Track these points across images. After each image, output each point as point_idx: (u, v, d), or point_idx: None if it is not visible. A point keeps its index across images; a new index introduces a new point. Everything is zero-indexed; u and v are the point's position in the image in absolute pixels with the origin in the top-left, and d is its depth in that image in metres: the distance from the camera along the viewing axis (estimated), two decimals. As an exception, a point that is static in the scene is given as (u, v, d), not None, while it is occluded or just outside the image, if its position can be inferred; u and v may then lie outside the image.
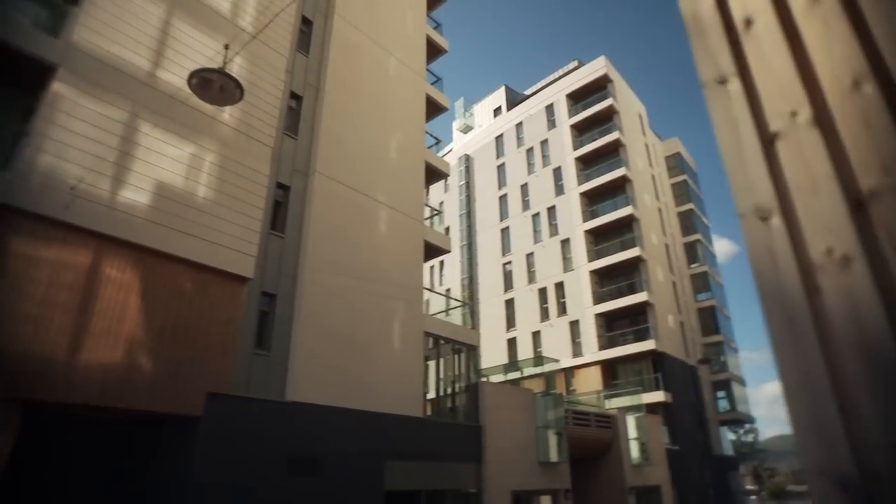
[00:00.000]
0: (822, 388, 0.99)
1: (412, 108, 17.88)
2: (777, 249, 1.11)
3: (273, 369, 11.51)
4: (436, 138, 20.08)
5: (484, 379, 19.20)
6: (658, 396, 29.29)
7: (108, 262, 9.02)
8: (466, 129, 47.32)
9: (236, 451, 9.99)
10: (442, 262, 41.17)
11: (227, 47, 6.04)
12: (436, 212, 18.94)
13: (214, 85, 5.35)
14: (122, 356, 8.92)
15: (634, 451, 23.54)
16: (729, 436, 41.43)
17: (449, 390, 16.46)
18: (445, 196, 43.71)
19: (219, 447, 9.74)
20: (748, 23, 1.30)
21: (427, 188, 41.98)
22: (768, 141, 1.19)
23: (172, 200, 10.14)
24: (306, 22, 15.30)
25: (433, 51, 20.47)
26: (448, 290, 39.09)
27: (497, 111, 44.37)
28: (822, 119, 1.14)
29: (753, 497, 52.35)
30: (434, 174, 18.75)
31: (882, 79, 1.10)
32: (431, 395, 16.28)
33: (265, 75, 12.81)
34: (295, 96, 14.35)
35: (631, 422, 23.95)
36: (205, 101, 5.84)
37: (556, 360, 23.21)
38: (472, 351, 17.34)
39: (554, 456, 17.97)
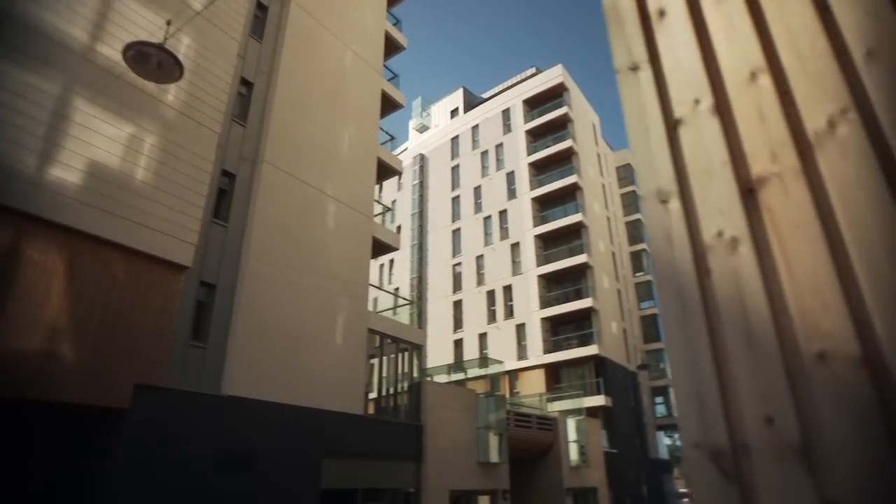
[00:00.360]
0: (705, 364, 1.02)
1: (367, 102, 17.71)
2: (674, 231, 1.13)
3: (209, 362, 11.13)
4: (390, 135, 19.98)
5: (428, 378, 19.20)
6: (599, 400, 30.06)
7: (29, 242, 8.49)
8: (423, 129, 47.29)
9: (165, 445, 9.59)
10: (392, 261, 40.97)
11: (168, 23, 5.79)
12: (386, 209, 18.81)
13: (152, 60, 5.11)
14: (41, 344, 8.41)
15: (574, 453, 24.07)
16: (665, 440, 42.98)
17: (392, 389, 16.36)
18: (398, 195, 43.53)
19: (146, 442, 9.33)
20: (661, 14, 1.33)
21: (380, 185, 41.61)
22: (672, 127, 1.22)
23: (107, 182, 9.65)
24: (261, 7, 14.92)
25: (391, 47, 20.34)
26: (397, 289, 38.92)
27: (454, 112, 44.55)
28: (722, 108, 1.18)
29: (685, 500, 54.42)
30: (386, 171, 18.63)
31: (776, 73, 1.14)
32: (374, 393, 16.15)
33: (215, 59, 12.39)
34: (246, 83, 13.96)
35: (571, 424, 24.47)
36: (141, 77, 5.57)
37: (501, 362, 23.46)
38: (417, 350, 17.31)
39: (494, 457, 18.13)
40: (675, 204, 1.15)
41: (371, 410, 15.98)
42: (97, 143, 9.62)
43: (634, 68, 1.32)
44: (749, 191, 1.09)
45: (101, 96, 9.82)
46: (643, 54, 1.32)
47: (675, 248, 1.12)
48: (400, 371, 16.59)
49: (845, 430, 0.88)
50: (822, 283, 0.96)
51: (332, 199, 15.07)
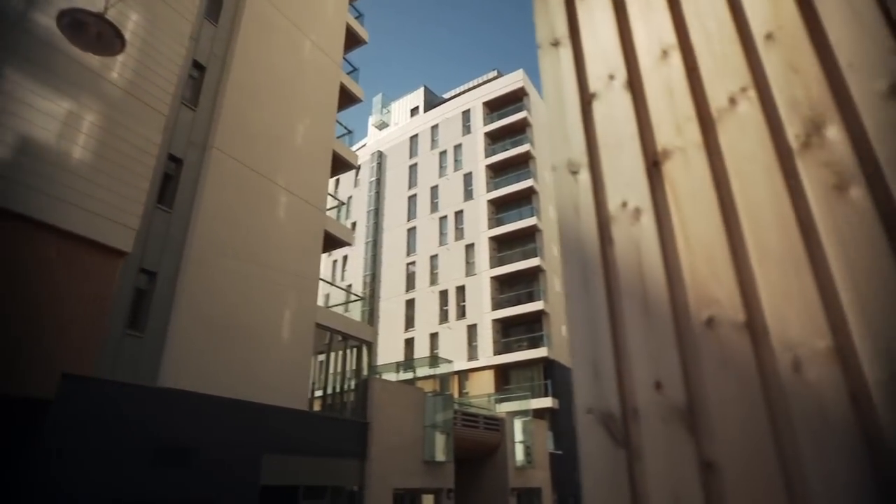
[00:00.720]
0: (602, 332, 1.03)
1: (324, 94, 17.44)
2: (581, 202, 1.14)
3: (146, 352, 10.69)
4: (347, 129, 19.73)
5: (377, 376, 19.06)
6: (546, 402, 30.54)
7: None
8: (382, 126, 46.98)
9: (94, 438, 9.14)
10: (346, 258, 40.51)
11: (111, -7, 5.52)
12: (340, 203, 18.57)
13: (90, 30, 4.84)
14: (-41, 327, 7.88)
15: (519, 453, 24.35)
16: (606, 441, 43.93)
17: (340, 386, 16.15)
18: (355, 191, 43.09)
19: (73, 433, 8.87)
20: (584, -9, 1.34)
21: (337, 180, 40.95)
22: (587, 101, 1.23)
23: (40, 159, 9.13)
24: (217, -11, 14.46)
25: (352, 40, 20.11)
26: (350, 286, 38.47)
27: (414, 111, 44.44)
28: (635, 83, 1.19)
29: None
30: (342, 165, 18.39)
31: (686, 51, 1.16)
32: (321, 389, 15.90)
33: (165, 38, 11.92)
34: (198, 66, 13.50)
35: (518, 425, 24.75)
36: (78, 48, 5.29)
37: (450, 362, 23.53)
38: (366, 347, 17.15)
39: (440, 455, 18.14)
40: (584, 175, 1.16)
41: (318, 407, 15.73)
42: (29, 118, 9.09)
43: (555, 44, 1.33)
44: (654, 164, 1.11)
45: (36, 68, 9.30)
46: (564, 31, 1.33)
47: (581, 218, 1.12)
48: (348, 368, 16.39)
49: (726, 393, 0.90)
50: (714, 252, 0.99)
51: (283, 190, 14.76)
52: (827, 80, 1.00)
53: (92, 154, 9.95)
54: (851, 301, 0.86)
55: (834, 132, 0.97)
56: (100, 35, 4.98)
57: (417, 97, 45.11)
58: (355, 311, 34.06)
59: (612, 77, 1.21)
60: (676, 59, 1.15)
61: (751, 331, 0.91)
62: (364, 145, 46.29)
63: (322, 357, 16.23)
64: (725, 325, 0.93)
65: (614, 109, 1.18)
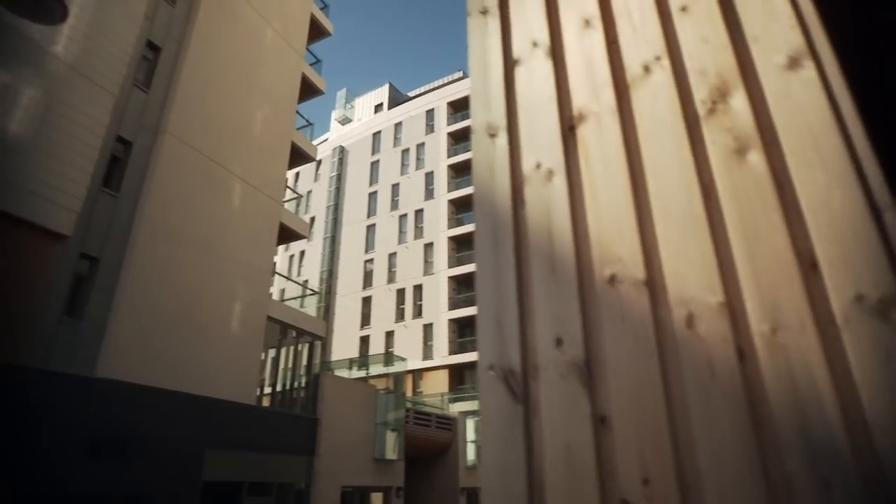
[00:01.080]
0: (509, 290, 1.02)
1: (285, 84, 17.11)
2: (497, 163, 1.14)
3: (84, 341, 10.23)
4: (307, 121, 19.41)
5: (329, 372, 18.81)
6: (498, 402, 30.74)
7: None
8: (345, 121, 46.47)
9: (21, 430, 8.68)
10: (303, 253, 39.86)
11: (54, -41, 5.25)
12: (298, 195, 18.25)
13: (28, -5, 4.59)
14: None
15: (471, 453, 24.45)
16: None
17: (290, 380, 15.86)
18: (315, 185, 42.46)
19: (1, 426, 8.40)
20: (515, -39, 1.34)
21: (297, 174, 40.24)
22: (510, 67, 1.23)
23: (-27, 133, 8.63)
24: (176, -31, 13.99)
25: (316, 31, 19.81)
26: (306, 282, 37.85)
27: (378, 107, 44.14)
28: (556, 51, 1.20)
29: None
30: (301, 157, 18.08)
31: (607, 21, 1.17)
32: (272, 384, 15.59)
33: (117, 14, 11.45)
34: (153, 47, 13.03)
35: (471, 425, 24.86)
36: (12, 13, 5.00)
37: (404, 360, 23.45)
38: (319, 342, 16.91)
39: (390, 454, 18.04)
40: (502, 137, 1.16)
41: (268, 403, 15.41)
42: (-35, 89, 8.58)
43: (484, 12, 1.32)
44: (570, 128, 1.11)
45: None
46: (495, 0, 1.32)
47: (495, 180, 1.12)
48: (300, 363, 16.12)
49: (622, 348, 0.90)
50: (620, 213, 1.00)
51: (239, 179, 14.39)
52: (734, 52, 1.03)
53: (31, 131, 9.46)
54: (744, 259, 0.88)
55: (737, 100, 0.99)
56: (37, 1, 4.73)
57: (382, 94, 44.82)
58: (311, 307, 33.53)
59: (535, 45, 1.21)
60: (598, 28, 1.16)
61: (650, 288, 0.92)
62: (326, 140, 45.67)
63: (274, 352, 15.91)
64: (626, 282, 0.94)
65: (535, 75, 1.18)
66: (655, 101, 1.05)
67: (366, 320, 36.02)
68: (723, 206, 0.93)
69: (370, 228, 38.66)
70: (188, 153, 13.05)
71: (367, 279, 37.13)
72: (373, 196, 39.58)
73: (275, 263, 38.28)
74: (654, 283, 0.92)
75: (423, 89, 44.49)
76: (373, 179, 40.23)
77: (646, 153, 1.02)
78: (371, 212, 39.08)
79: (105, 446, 9.84)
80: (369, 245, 38.15)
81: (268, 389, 15.68)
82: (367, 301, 36.50)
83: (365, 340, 35.36)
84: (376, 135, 41.90)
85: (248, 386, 13.53)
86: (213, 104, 14.06)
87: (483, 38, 1.28)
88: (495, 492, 0.89)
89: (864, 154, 0.88)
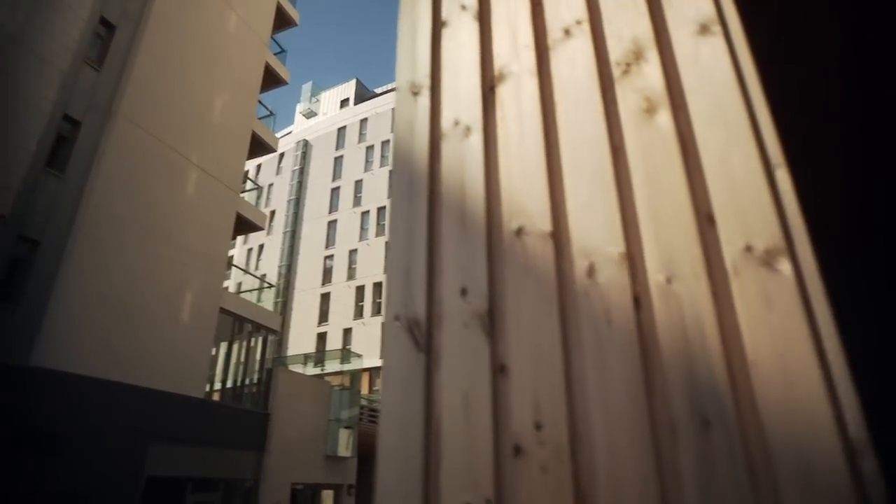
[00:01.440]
0: (419, 241, 1.01)
1: (248, 72, 16.74)
2: (417, 121, 1.13)
3: (19, 328, 9.74)
4: (269, 110, 19.05)
5: (283, 367, 18.48)
6: (454, 401, 30.84)
7: None
8: (310, 115, 45.84)
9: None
10: (261, 246, 39.09)
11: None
12: (257, 186, 17.89)
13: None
14: None
15: (424, 450, 24.40)
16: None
17: (242, 374, 15.51)
18: (277, 178, 41.72)
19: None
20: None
21: (259, 165, 39.45)
22: (438, 29, 1.22)
23: None
24: (135, -54, 13.51)
25: (282, 20, 19.46)
26: (264, 276, 37.11)
27: (344, 103, 43.71)
28: (483, 14, 1.19)
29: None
30: (261, 147, 17.73)
31: (533, -17, 1.18)
32: (223, 377, 15.22)
33: (68, -11, 10.98)
34: (107, 24, 12.53)
35: (425, 422, 24.82)
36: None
37: (360, 356, 23.26)
38: (273, 336, 16.60)
39: (343, 451, 17.85)
40: (424, 96, 1.15)
41: (220, 396, 15.03)
42: None
43: (416, -26, 1.31)
44: (491, 89, 1.12)
45: None
46: (426, -38, 1.32)
47: (415, 136, 1.11)
48: (254, 357, 15.79)
49: (524, 298, 0.91)
50: (531, 168, 1.00)
51: (195, 167, 13.99)
52: (650, 17, 1.05)
53: (-30, 104, 8.98)
54: (646, 213, 0.90)
55: (650, 64, 1.01)
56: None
57: (349, 89, 44.41)
58: (268, 302, 32.86)
59: (463, 7, 1.21)
60: (523, -10, 1.17)
61: (555, 240, 0.93)
62: (290, 133, 44.93)
63: (230, 345, 15.53)
64: (532, 234, 0.94)
65: (461, 37, 1.18)
66: (573, 63, 1.06)
67: (324, 317, 35.57)
68: (630, 163, 0.95)
69: (331, 224, 38.20)
70: (142, 137, 12.61)
71: (327, 275, 36.68)
72: (335, 191, 39.13)
73: (231, 256, 37.43)
74: (559, 235, 0.93)
75: (390, 86, 44.28)
76: (336, 175, 39.78)
77: (560, 113, 1.03)
78: (333, 207, 38.63)
79: (37, 439, 9.39)
80: (330, 241, 37.69)
81: (219, 384, 15.30)
82: (325, 297, 36.04)
83: (322, 337, 34.91)
84: (341, 130, 41.47)
85: (198, 379, 13.16)
86: (171, 88, 13.63)
87: (413, 4, 1.27)
88: (393, 443, 0.88)
89: (762, 116, 0.91)
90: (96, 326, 10.84)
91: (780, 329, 0.77)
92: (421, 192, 1.04)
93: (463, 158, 1.05)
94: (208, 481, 13.18)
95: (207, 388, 14.32)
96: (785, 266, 0.80)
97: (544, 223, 0.94)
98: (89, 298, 10.81)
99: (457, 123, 1.09)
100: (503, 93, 1.09)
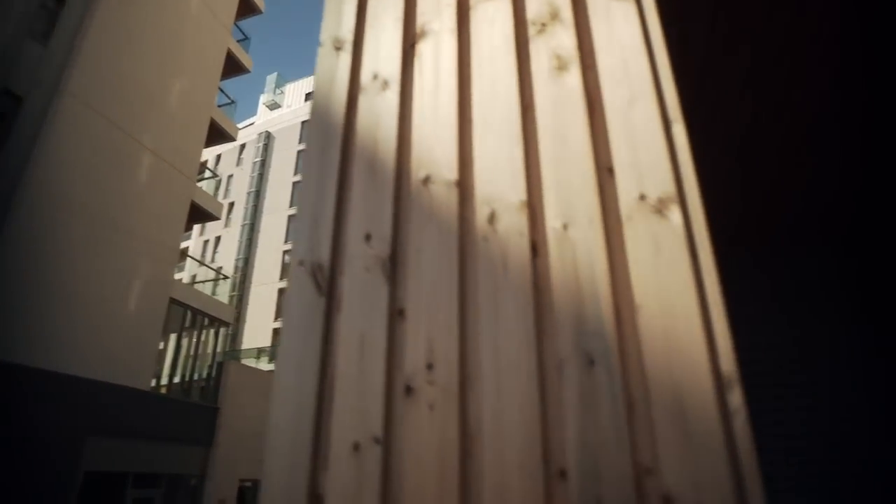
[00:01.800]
0: (329, 189, 1.00)
1: (208, 58, 16.31)
2: (338, 75, 1.12)
3: (-51, 311, 9.22)
4: (230, 98, 18.61)
5: (235, 361, 18.07)
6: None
7: None
8: (274, 106, 45.00)
9: None
10: (219, 238, 38.16)
11: None
12: (214, 174, 17.48)
13: None
14: None
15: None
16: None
17: (192, 366, 15.08)
18: (237, 170, 40.79)
19: None
20: None
21: (218, 155, 38.45)
22: (365, -15, 1.22)
23: None
24: (91, -81, 12.98)
25: (246, 7, 19.06)
26: (220, 268, 36.22)
27: (310, 96, 43.04)
28: (409, -29, 1.20)
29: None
30: (220, 135, 17.31)
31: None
32: (171, 369, 14.76)
33: (16, -42, 10.47)
34: (56, -2, 12.00)
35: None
36: None
37: (318, 353, 22.91)
38: (225, 329, 16.21)
39: (294, 446, 17.54)
40: (346, 51, 1.14)
41: (168, 389, 14.57)
42: None
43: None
44: (412, 45, 1.11)
45: None
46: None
47: (334, 90, 1.10)
48: (205, 350, 15.38)
49: (426, 244, 0.91)
50: (443, 121, 1.00)
51: (149, 151, 13.53)
52: (567, -21, 1.06)
53: None
54: (549, 165, 0.91)
55: (565, 24, 1.02)
56: None
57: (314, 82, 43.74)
58: (224, 295, 32.11)
59: (390, -36, 1.20)
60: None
61: (460, 188, 0.93)
62: (252, 124, 44.01)
63: (180, 337, 15.07)
64: (438, 182, 0.94)
65: (388, -5, 1.18)
66: (492, 22, 1.07)
67: (281, 311, 34.90)
68: (538, 118, 0.96)
69: (292, 218, 37.56)
70: (91, 117, 12.12)
71: (286, 270, 36.03)
72: (297, 185, 38.50)
73: (187, 247, 36.34)
74: (464, 184, 0.93)
75: (357, 82, 43.85)
76: (298, 168, 39.14)
77: (476, 69, 1.04)
78: (294, 201, 38.00)
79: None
80: (290, 235, 37.06)
81: (168, 376, 14.83)
82: (283, 292, 35.41)
83: (279, 332, 34.26)
84: (305, 123, 40.83)
85: (144, 370, 12.72)
86: (125, 68, 13.15)
87: (342, -41, 1.26)
88: (288, 383, 0.86)
89: (665, 75, 0.93)
90: (31, 313, 10.35)
91: (666, 273, 0.79)
92: (335, 144, 1.03)
93: (378, 112, 1.04)
94: (151, 476, 12.75)
95: (155, 380, 13.88)
96: (675, 214, 0.82)
97: (451, 172, 0.94)
98: (23, 283, 10.31)
99: (375, 77, 1.08)
100: (423, 49, 1.09)
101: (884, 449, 2.73)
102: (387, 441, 0.79)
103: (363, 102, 1.07)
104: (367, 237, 0.93)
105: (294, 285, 0.93)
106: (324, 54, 1.16)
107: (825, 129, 2.13)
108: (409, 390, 0.81)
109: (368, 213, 0.95)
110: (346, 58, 1.13)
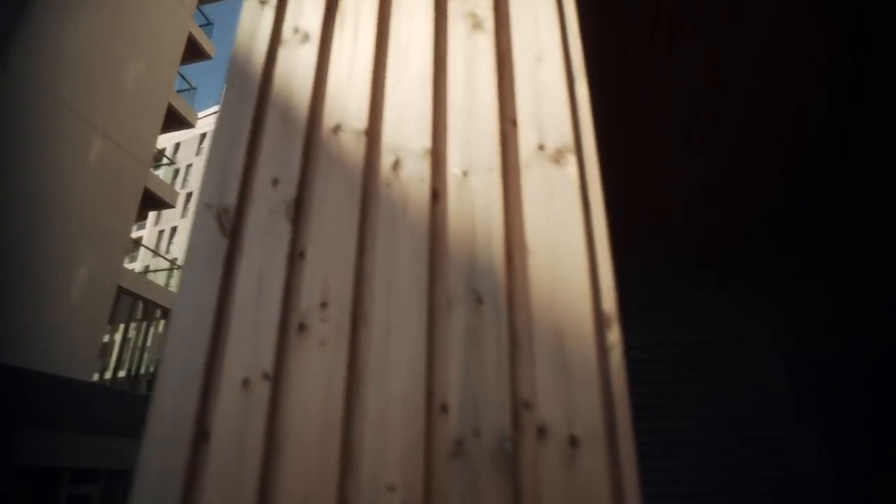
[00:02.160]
0: (242, 134, 0.99)
1: (168, 40, 15.84)
2: (260, 28, 1.11)
3: None
4: (190, 84, 18.12)
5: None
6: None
7: None
8: (238, 97, 43.96)
9: None
10: (174, 229, 37.08)
11: None
12: (171, 161, 17.00)
13: None
14: None
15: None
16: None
17: (141, 358, 14.61)
18: (197, 160, 39.75)
19: None
20: None
21: (177, 144, 37.37)
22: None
23: None
24: None
25: (210, -8, 18.61)
26: (175, 260, 35.18)
27: (275, 88, 42.33)
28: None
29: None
30: (178, 121, 16.84)
31: None
32: (119, 360, 14.27)
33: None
34: (5, -32, 11.46)
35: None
36: None
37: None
38: (177, 320, 15.74)
39: (245, 442, 17.21)
40: (270, 5, 1.14)
41: (115, 380, 14.07)
42: None
43: None
44: (336, 1, 1.12)
45: None
46: None
47: (255, 42, 1.10)
48: (157, 342, 14.91)
49: (330, 188, 0.91)
50: (358, 73, 1.01)
51: (99, 133, 13.04)
52: (489, -58, 1.08)
53: None
54: (456, 116, 0.93)
55: (483, -17, 1.04)
56: None
57: (280, 74, 43.02)
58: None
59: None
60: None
61: (369, 137, 0.94)
62: (214, 112, 42.95)
63: (128, 327, 14.59)
64: (348, 130, 0.95)
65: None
66: (415, -17, 1.08)
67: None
68: (449, 70, 0.98)
69: (252, 211, 36.77)
70: (39, 97, 11.61)
71: (244, 264, 35.23)
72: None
73: (140, 237, 35.22)
74: (373, 132, 0.94)
75: (324, 76, 43.37)
76: (260, 160, 38.37)
77: (394, 25, 1.05)
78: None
79: None
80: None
81: (115, 368, 14.32)
82: (240, 286, 34.61)
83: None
84: (269, 115, 40.11)
85: (87, 360, 12.25)
86: (75, 45, 12.65)
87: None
88: (184, 323, 0.85)
89: (573, 36, 0.96)
90: (-31, 297, 9.85)
91: (558, 218, 0.81)
92: (251, 94, 1.03)
93: (296, 63, 1.04)
94: (89, 472, 12.28)
95: (101, 372, 13.38)
96: (570, 164, 0.85)
97: (360, 121, 0.95)
98: (-38, 265, 9.80)
99: (296, 31, 1.08)
100: (345, 5, 1.09)
101: (798, 434, 2.85)
102: (276, 377, 0.78)
103: (282, 55, 1.06)
104: (275, 182, 0.93)
105: (198, 228, 0.92)
106: (248, 8, 1.15)
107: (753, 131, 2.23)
108: (302, 328, 0.81)
109: (278, 160, 0.95)
110: (269, 12, 1.13)
